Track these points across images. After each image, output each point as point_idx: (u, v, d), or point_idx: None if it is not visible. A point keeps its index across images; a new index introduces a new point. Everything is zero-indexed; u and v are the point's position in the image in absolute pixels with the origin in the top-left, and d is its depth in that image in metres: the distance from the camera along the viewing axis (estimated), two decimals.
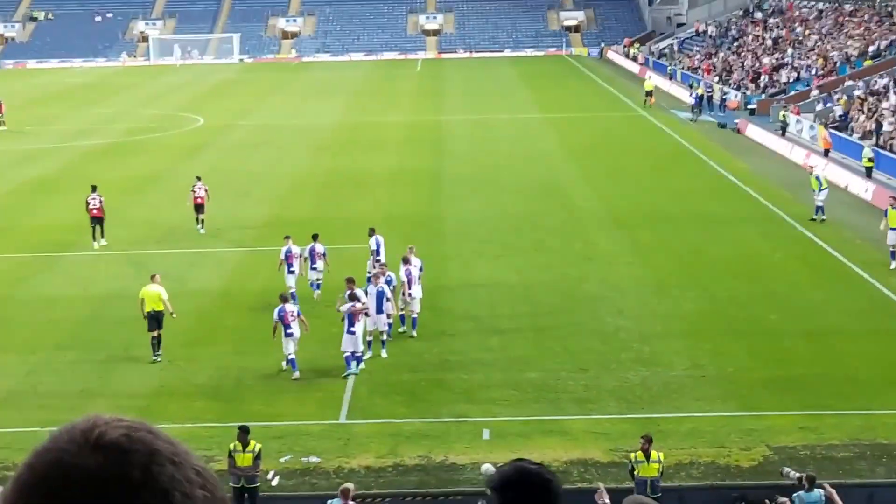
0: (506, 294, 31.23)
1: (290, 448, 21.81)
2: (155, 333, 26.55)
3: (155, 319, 26.55)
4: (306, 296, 30.02)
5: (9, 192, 47.79)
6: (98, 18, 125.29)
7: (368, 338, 26.53)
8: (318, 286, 30.86)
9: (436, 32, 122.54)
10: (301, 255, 30.84)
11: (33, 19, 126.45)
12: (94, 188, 37.71)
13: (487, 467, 18.97)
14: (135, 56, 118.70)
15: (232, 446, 19.56)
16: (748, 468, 20.91)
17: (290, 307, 25.83)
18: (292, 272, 30.53)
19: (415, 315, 28.20)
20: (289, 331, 25.41)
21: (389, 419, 23.17)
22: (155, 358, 26.50)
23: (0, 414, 23.71)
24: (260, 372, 25.86)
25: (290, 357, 25.51)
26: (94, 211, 36.97)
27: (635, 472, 18.90)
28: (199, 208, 38.58)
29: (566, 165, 51.31)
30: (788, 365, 25.69)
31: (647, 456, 18.87)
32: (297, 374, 25.30)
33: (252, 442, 19.53)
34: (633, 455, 19.16)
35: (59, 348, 27.64)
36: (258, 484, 19.64)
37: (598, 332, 27.89)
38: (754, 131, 59.56)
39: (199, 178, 39.47)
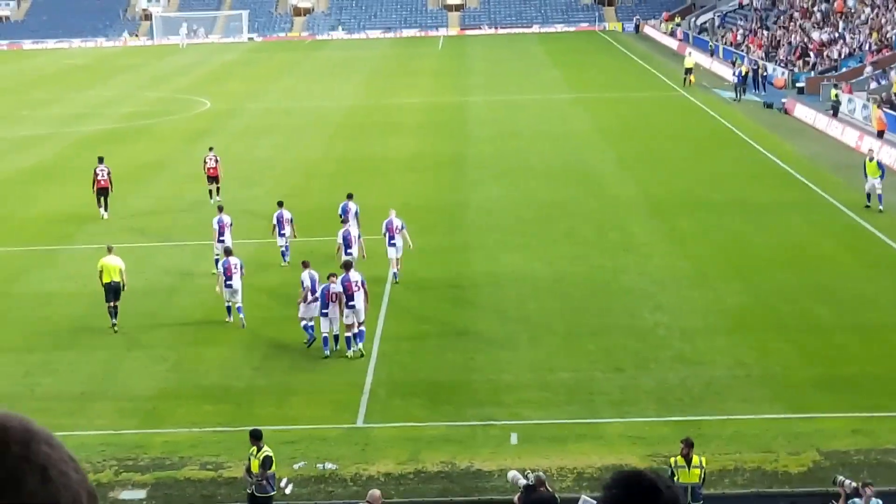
0: (534, 288, 31.17)
1: (305, 454, 21.84)
2: (112, 304, 28.59)
3: (113, 290, 28.60)
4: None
5: (3, 181, 48.03)
6: None
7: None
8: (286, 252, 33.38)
9: (459, 7, 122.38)
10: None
11: None
12: (100, 159, 40.45)
13: (514, 474, 18.93)
14: (137, 35, 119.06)
15: (250, 450, 19.66)
16: (797, 474, 20.81)
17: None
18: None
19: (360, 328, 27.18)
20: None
21: (410, 422, 23.16)
22: (114, 325, 28.56)
23: None
24: (272, 372, 25.90)
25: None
26: (102, 182, 39.72)
27: (675, 479, 18.84)
28: (212, 179, 41.40)
29: (599, 149, 51.19)
30: (840, 363, 25.56)
31: (688, 461, 18.81)
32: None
33: (264, 448, 19.56)
34: (672, 460, 19.10)
35: (57, 348, 27.77)
36: (269, 493, 19.59)
37: (634, 329, 27.81)
38: (803, 111, 59.26)
39: (211, 149, 42.48)
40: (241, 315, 28.77)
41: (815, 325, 27.84)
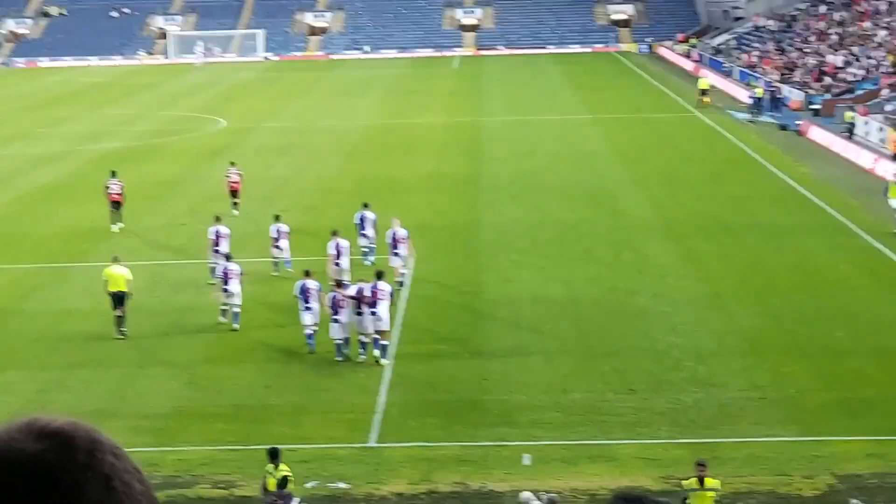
0: (549, 309, 31.14)
1: (317, 473, 21.82)
2: (118, 312, 29.30)
3: (119, 299, 29.26)
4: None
5: (18, 198, 48.22)
6: (114, 14, 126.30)
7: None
8: (289, 264, 34.32)
9: (474, 28, 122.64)
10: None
11: (46, 15, 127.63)
12: (113, 173, 41.69)
13: (527, 495, 18.91)
14: (153, 54, 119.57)
15: (266, 468, 19.64)
16: (811, 498, 20.73)
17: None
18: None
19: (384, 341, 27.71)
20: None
21: (423, 443, 23.14)
22: (119, 335, 29.20)
23: None
24: (285, 391, 25.91)
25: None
26: (114, 196, 40.64)
27: (688, 501, 18.77)
28: (234, 193, 42.85)
29: (615, 170, 51.17)
30: (856, 386, 25.47)
31: (702, 483, 18.75)
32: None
33: (281, 466, 19.57)
34: (686, 483, 19.05)
35: (70, 366, 27.82)
36: None
37: (649, 350, 27.76)
38: (818, 133, 59.19)
39: (232, 164, 44.11)
40: (237, 320, 29.76)
41: (831, 348, 27.74)
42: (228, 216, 40.23)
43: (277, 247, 34.47)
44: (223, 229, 34.11)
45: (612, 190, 46.71)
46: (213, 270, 32.64)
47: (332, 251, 32.01)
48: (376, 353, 27.26)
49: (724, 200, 44.14)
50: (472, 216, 42.61)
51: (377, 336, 27.34)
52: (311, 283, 28.20)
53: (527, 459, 22.17)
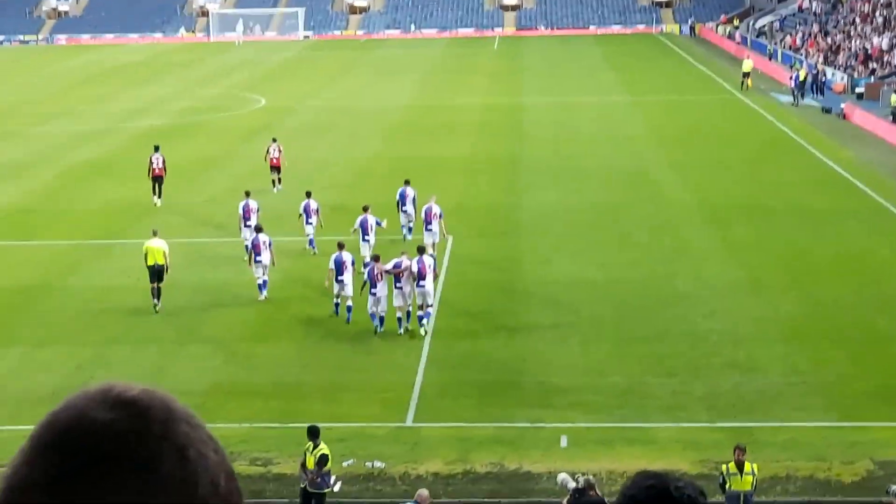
0: (588, 292, 31.11)
1: (354, 452, 21.94)
2: (155, 285, 30.09)
3: (157, 273, 30.05)
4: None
5: (60, 174, 48.59)
6: None
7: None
8: (313, 244, 34.70)
9: (515, 8, 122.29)
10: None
11: None
12: (156, 148, 42.34)
13: (564, 477, 18.93)
14: (194, 32, 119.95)
15: (306, 446, 19.75)
16: (850, 484, 20.66)
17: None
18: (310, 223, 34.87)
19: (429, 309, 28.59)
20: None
21: (460, 423, 23.20)
22: (155, 305, 30.01)
23: (46, 411, 24.00)
24: (322, 369, 26.04)
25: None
26: (157, 170, 41.46)
27: (727, 486, 18.75)
28: (274, 169, 43.52)
29: (655, 153, 50.98)
30: None
31: (741, 468, 18.71)
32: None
33: (321, 445, 19.67)
34: (724, 467, 19.01)
35: (110, 342, 28.06)
36: (323, 490, 19.70)
37: (687, 335, 27.69)
38: (862, 117, 58.72)
39: (274, 140, 44.65)
40: (265, 290, 30.59)
41: (872, 335, 27.58)
42: (269, 192, 41.18)
43: (309, 223, 34.91)
44: (252, 203, 34.60)
45: (652, 173, 46.53)
46: (246, 246, 33.02)
47: (357, 226, 32.86)
48: (424, 322, 27.91)
49: (765, 185, 43.88)
50: (512, 198, 42.56)
51: (421, 309, 27.99)
52: (346, 256, 28.96)
53: (564, 441, 22.20)
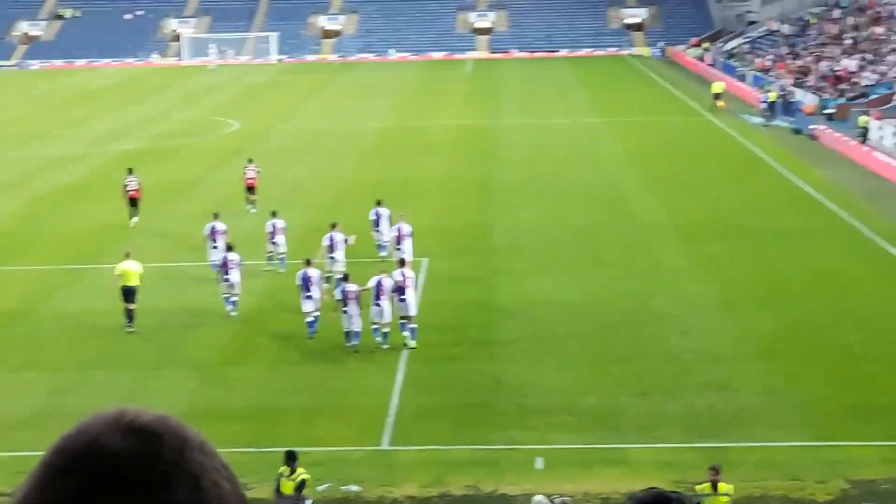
0: (563, 312, 31.11)
1: (330, 475, 21.83)
2: (131, 306, 30.17)
3: (131, 293, 30.23)
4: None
5: (35, 199, 48.33)
6: (128, 16, 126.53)
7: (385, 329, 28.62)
8: (283, 263, 34.96)
9: (487, 31, 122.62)
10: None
11: (60, 17, 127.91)
12: (130, 170, 42.72)
13: (540, 499, 18.89)
14: (166, 56, 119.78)
15: (280, 470, 19.59)
16: (824, 503, 20.66)
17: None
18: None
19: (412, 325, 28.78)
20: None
21: (435, 445, 23.12)
22: (129, 329, 30.04)
23: (22, 436, 23.87)
24: (298, 393, 25.93)
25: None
26: (132, 192, 41.94)
27: None
28: (250, 189, 43.81)
29: (628, 173, 51.13)
30: (870, 391, 25.38)
31: (715, 488, 18.71)
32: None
33: (299, 469, 19.53)
34: (699, 487, 19.00)
35: (87, 366, 27.89)
36: None
37: (662, 354, 27.72)
38: (832, 138, 59.05)
39: (250, 161, 44.97)
40: (235, 308, 31.13)
41: (845, 353, 27.67)
42: (244, 214, 41.54)
43: (274, 242, 35.25)
44: (219, 224, 35.00)
45: (626, 193, 46.67)
46: (214, 265, 33.34)
47: (325, 243, 33.12)
48: (405, 334, 28.26)
49: (737, 204, 44.06)
50: (487, 218, 42.60)
51: (405, 321, 28.28)
52: (313, 272, 29.35)
53: (540, 463, 22.14)
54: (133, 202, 42.03)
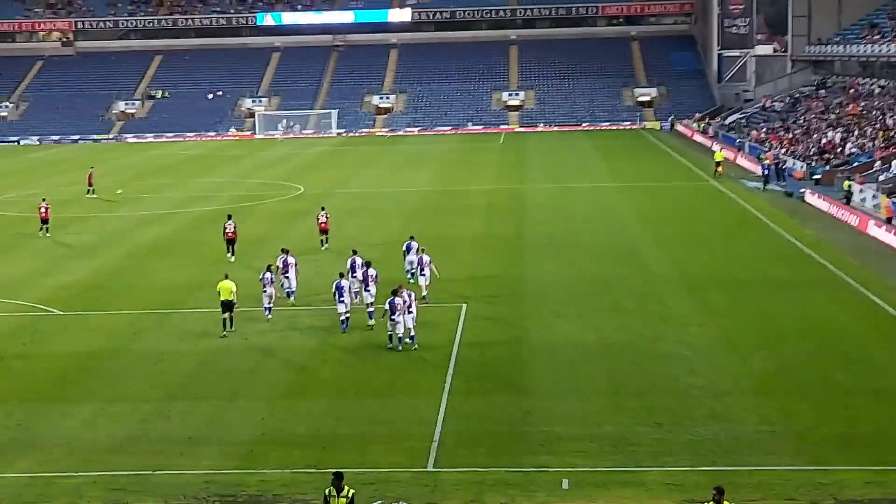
0: (584, 352, 30.96)
1: (381, 494, 21.71)
2: (226, 315, 33.39)
3: (227, 305, 33.33)
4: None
5: (127, 254, 48.74)
6: (210, 97, 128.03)
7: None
8: (293, 295, 37.31)
9: (518, 108, 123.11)
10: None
11: (151, 97, 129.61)
12: (229, 216, 47.03)
13: None
14: (242, 130, 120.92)
15: (327, 491, 19.41)
16: None
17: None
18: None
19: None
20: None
21: (474, 468, 22.97)
22: (228, 332, 33.25)
23: (115, 459, 23.94)
24: (353, 422, 25.85)
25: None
26: (230, 234, 46.20)
27: None
28: (323, 231, 47.78)
29: (641, 231, 50.98)
30: (855, 422, 25.05)
31: None
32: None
33: (346, 488, 19.37)
34: None
35: (169, 398, 27.94)
36: None
37: (671, 390, 27.49)
38: (819, 200, 58.71)
39: (323, 208, 49.49)
40: (293, 298, 36.46)
41: (833, 389, 27.34)
42: (317, 251, 46.10)
43: (286, 276, 36.92)
44: (291, 259, 37.21)
45: (638, 248, 46.50)
46: (288, 294, 37.01)
47: (347, 265, 36.05)
48: (408, 341, 31.43)
49: (737, 258, 43.83)
50: (517, 270, 42.53)
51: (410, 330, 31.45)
52: (344, 283, 33.30)
53: (565, 484, 21.95)
54: (230, 242, 46.08)
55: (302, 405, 27.21)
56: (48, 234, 53.74)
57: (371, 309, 34.11)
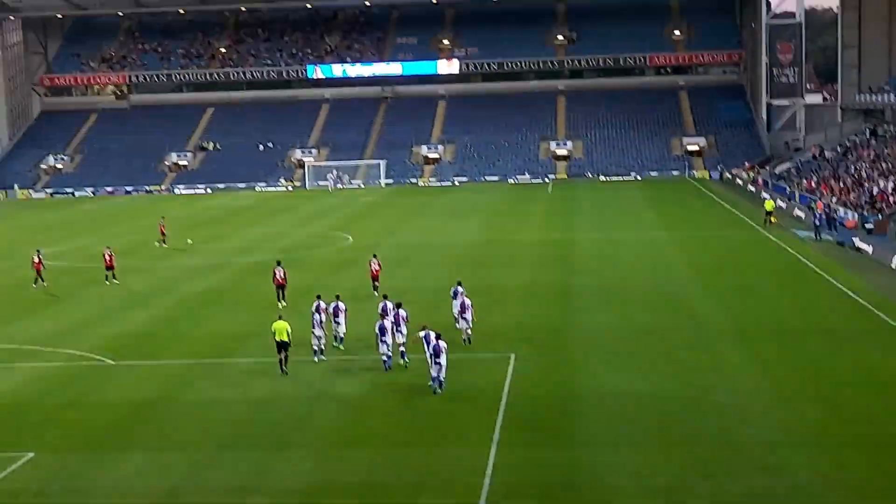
0: (634, 401, 30.69)
1: None
2: (282, 355, 34.32)
3: (282, 346, 34.21)
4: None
5: (178, 303, 49.18)
6: (260, 148, 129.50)
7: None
8: (341, 341, 38.05)
9: (566, 158, 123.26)
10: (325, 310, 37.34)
11: (203, 149, 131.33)
12: (278, 262, 48.66)
13: None
14: (292, 181, 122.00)
15: None
16: None
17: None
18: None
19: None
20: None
21: None
22: (283, 372, 34.29)
23: None
24: (403, 471, 25.77)
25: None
26: (280, 280, 47.22)
27: None
28: (375, 278, 48.51)
29: (692, 280, 50.64)
30: None
31: None
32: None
33: None
34: None
35: (220, 447, 28.02)
36: None
37: (723, 440, 27.15)
38: (872, 249, 58.06)
39: (375, 256, 50.37)
40: (341, 342, 37.48)
41: (889, 441, 26.86)
42: (367, 298, 46.08)
43: (336, 321, 37.74)
44: (342, 305, 38.04)
45: (689, 298, 46.18)
46: (335, 337, 37.84)
47: (380, 310, 37.04)
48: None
49: (789, 308, 43.38)
50: (566, 319, 42.35)
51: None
52: (386, 323, 34.18)
53: None
54: (281, 288, 46.94)
55: (351, 454, 27.16)
56: (116, 281, 54.68)
57: (403, 349, 34.95)
